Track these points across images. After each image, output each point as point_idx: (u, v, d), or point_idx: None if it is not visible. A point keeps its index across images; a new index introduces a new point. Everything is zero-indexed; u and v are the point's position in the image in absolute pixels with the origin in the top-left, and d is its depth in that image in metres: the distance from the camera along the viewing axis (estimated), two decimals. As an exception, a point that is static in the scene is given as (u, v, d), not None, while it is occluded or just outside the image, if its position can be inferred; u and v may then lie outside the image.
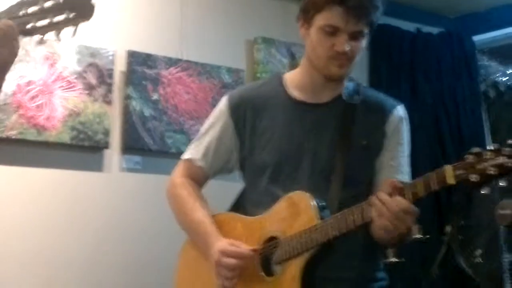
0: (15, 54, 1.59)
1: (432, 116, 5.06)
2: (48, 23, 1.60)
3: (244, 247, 2.20)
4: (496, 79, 5.36)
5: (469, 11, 5.39)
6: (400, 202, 1.95)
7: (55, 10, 1.60)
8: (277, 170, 2.27)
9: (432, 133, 5.05)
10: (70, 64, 3.81)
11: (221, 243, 2.23)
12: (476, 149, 1.83)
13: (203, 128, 2.46)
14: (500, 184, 1.82)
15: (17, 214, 3.64)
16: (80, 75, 3.83)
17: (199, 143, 2.44)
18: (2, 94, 3.56)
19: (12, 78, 3.61)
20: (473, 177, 1.81)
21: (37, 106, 3.68)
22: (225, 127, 2.38)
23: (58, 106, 3.74)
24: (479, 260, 3.87)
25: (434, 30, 5.37)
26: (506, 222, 3.78)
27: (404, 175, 2.25)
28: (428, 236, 4.17)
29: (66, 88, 3.78)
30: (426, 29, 5.33)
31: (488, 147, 1.81)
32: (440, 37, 5.34)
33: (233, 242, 2.22)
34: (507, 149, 1.78)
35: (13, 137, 3.60)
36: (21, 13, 1.60)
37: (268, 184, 2.28)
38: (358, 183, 2.21)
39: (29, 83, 3.67)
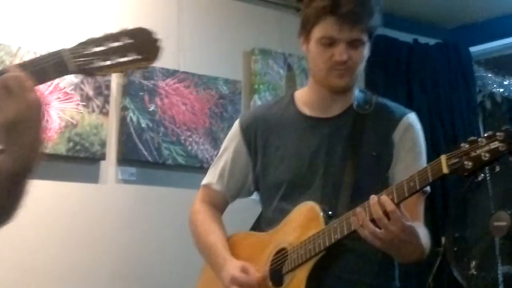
0: (29, 109, 1.45)
1: (428, 127, 5.06)
2: (113, 63, 1.57)
3: (253, 272, 2.20)
4: (493, 90, 5.36)
5: (466, 22, 5.41)
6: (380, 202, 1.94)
7: (122, 51, 1.57)
8: (290, 187, 2.28)
9: (428, 143, 5.03)
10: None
11: (231, 269, 2.22)
12: (471, 138, 1.84)
13: (219, 153, 2.49)
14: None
15: (12, 226, 3.64)
16: (77, 86, 3.84)
17: (215, 167, 2.47)
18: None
19: (9, 89, 3.62)
20: (467, 165, 1.82)
21: (34, 118, 3.68)
22: (238, 148, 2.41)
23: (55, 118, 3.75)
24: (473, 272, 3.87)
25: (431, 41, 5.39)
26: (501, 233, 3.78)
27: None
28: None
29: (63, 100, 3.79)
30: (423, 40, 5.35)
31: (484, 134, 1.83)
32: (437, 48, 5.36)
33: (244, 267, 2.21)
34: (500, 133, 1.80)
35: (10, 148, 3.60)
36: (85, 52, 1.55)
37: (280, 201, 2.29)
38: (369, 193, 2.16)
39: (26, 94, 3.67)
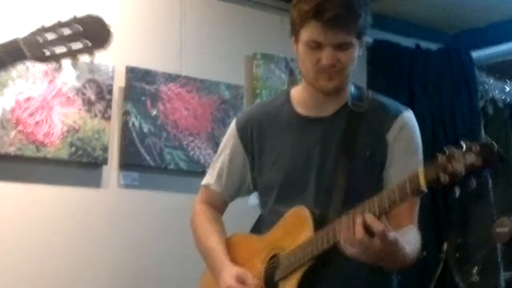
0: None
1: (430, 132, 5.06)
2: (66, 50, 1.63)
3: (251, 282, 2.20)
4: (495, 95, 5.35)
5: (468, 27, 5.41)
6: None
7: (74, 38, 1.62)
8: (284, 188, 2.28)
9: (430, 149, 5.03)
10: (69, 80, 3.81)
11: (227, 278, 2.22)
12: (447, 149, 1.79)
13: (217, 153, 2.50)
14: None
15: (15, 230, 3.64)
16: (79, 91, 3.84)
17: (213, 168, 2.47)
18: (1, 110, 3.57)
19: (12, 94, 3.63)
20: (444, 179, 1.78)
21: (36, 122, 3.69)
22: (235, 148, 2.41)
23: (57, 122, 3.75)
24: (475, 278, 3.86)
25: (433, 46, 5.38)
26: (503, 240, 3.78)
27: None
28: (425, 254, 4.18)
29: (65, 104, 3.79)
30: (425, 45, 5.34)
31: (462, 144, 1.77)
32: (439, 53, 5.35)
33: (240, 275, 2.21)
34: (476, 146, 1.74)
35: (12, 153, 3.60)
36: (40, 39, 1.61)
37: (275, 203, 2.29)
38: (362, 196, 2.13)
39: (28, 99, 3.68)
